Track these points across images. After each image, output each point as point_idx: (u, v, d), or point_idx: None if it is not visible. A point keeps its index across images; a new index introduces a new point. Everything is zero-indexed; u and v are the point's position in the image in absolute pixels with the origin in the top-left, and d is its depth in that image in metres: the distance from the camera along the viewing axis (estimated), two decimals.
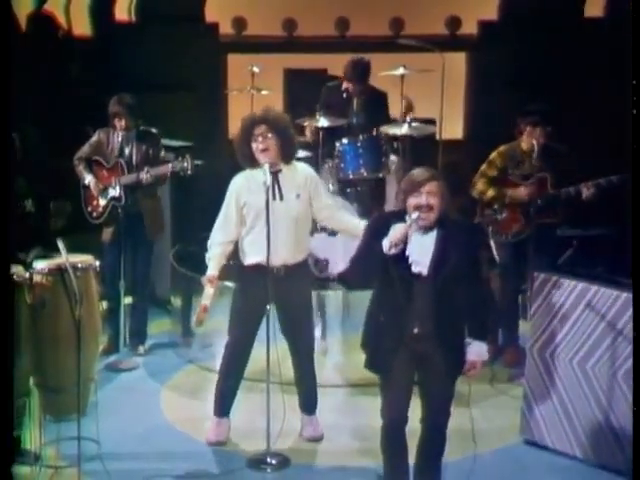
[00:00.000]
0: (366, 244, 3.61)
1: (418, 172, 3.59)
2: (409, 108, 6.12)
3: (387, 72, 6.06)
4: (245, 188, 4.34)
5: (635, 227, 3.57)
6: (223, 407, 4.55)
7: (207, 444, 4.51)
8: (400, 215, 3.58)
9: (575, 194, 5.04)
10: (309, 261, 4.63)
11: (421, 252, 3.53)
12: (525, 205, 5.14)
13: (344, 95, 6.06)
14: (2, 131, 3.69)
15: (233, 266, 4.52)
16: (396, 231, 3.46)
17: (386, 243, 3.47)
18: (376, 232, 3.58)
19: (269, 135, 4.25)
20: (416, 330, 3.56)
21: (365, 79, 5.96)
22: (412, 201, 3.53)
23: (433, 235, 3.55)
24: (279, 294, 4.26)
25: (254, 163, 4.32)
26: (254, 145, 4.28)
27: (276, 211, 4.20)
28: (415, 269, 3.53)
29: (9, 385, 3.56)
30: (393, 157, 5.88)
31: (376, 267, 3.52)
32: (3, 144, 3.75)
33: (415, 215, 3.49)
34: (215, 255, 4.38)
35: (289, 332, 4.40)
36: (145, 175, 5.28)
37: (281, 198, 4.23)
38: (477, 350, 3.64)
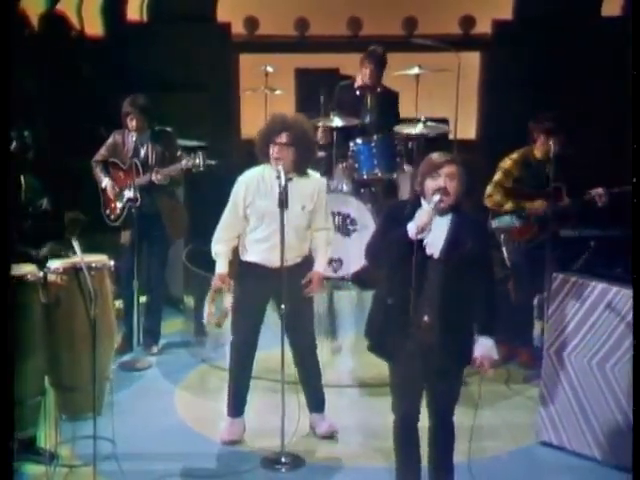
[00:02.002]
0: (383, 232, 3.60)
1: (436, 155, 3.59)
2: None
3: (402, 72, 6.05)
4: (253, 188, 4.36)
5: (635, 227, 3.55)
6: (236, 407, 4.55)
7: (221, 443, 4.50)
8: (414, 202, 3.59)
9: (590, 203, 5.00)
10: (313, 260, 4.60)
11: (435, 234, 3.53)
12: (540, 214, 5.09)
13: (357, 93, 6.05)
14: (2, 131, 3.68)
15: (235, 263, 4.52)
16: (422, 215, 3.46)
17: (413, 228, 3.46)
18: (392, 220, 3.59)
19: (288, 145, 4.26)
20: (426, 318, 3.54)
21: (383, 66, 5.94)
22: (430, 183, 3.53)
23: (448, 218, 3.55)
24: (278, 292, 4.27)
25: (269, 162, 4.33)
26: (271, 149, 4.28)
27: (278, 218, 4.22)
28: (429, 251, 3.53)
29: (10, 385, 3.55)
30: (407, 167, 5.87)
31: (395, 253, 3.51)
32: (3, 144, 3.75)
33: (437, 198, 3.48)
34: (222, 252, 4.42)
35: (289, 330, 4.38)
36: (156, 175, 5.28)
37: (286, 207, 4.22)
38: (483, 346, 3.60)
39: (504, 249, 5.23)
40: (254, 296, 4.41)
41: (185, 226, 5.68)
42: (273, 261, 4.29)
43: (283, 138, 4.25)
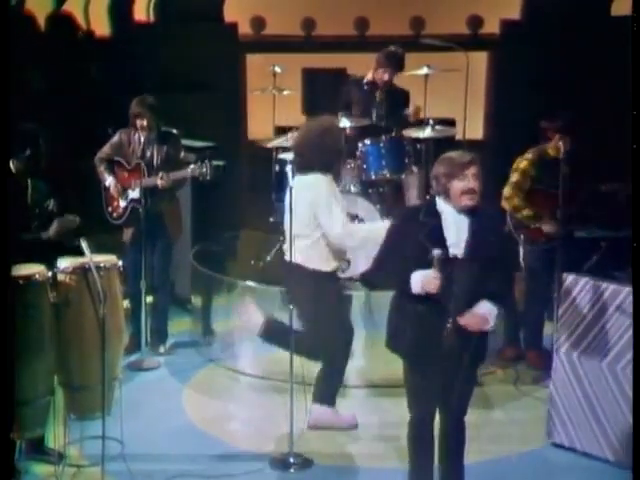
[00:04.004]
0: (391, 244, 3.59)
1: (459, 155, 3.56)
2: (417, 113, 6.11)
3: (412, 72, 6.05)
4: None
5: (635, 227, 3.53)
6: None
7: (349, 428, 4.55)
8: (429, 206, 3.57)
9: (610, 197, 4.97)
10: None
11: (458, 235, 3.52)
12: (557, 214, 5.04)
13: (365, 88, 6.04)
14: (2, 131, 3.68)
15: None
16: (430, 282, 3.42)
17: (417, 288, 3.46)
18: (402, 230, 3.58)
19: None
20: (450, 320, 3.52)
21: (401, 68, 5.95)
22: (458, 185, 3.49)
23: (467, 218, 3.54)
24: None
25: None
26: None
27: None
28: (452, 252, 3.51)
29: (10, 385, 3.55)
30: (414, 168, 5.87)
31: (402, 267, 3.50)
32: (3, 144, 3.74)
33: (468, 217, 3.48)
34: None
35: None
36: (160, 180, 5.29)
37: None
38: (486, 307, 3.51)
39: (521, 249, 5.19)
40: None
41: (181, 229, 5.68)
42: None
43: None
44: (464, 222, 3.53)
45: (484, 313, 3.51)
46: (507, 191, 5.12)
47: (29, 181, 4.45)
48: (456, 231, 3.52)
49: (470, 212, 3.53)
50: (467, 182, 3.49)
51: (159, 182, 5.29)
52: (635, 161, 3.59)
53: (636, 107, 3.56)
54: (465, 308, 3.51)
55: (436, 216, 3.54)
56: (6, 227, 3.63)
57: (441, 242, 3.50)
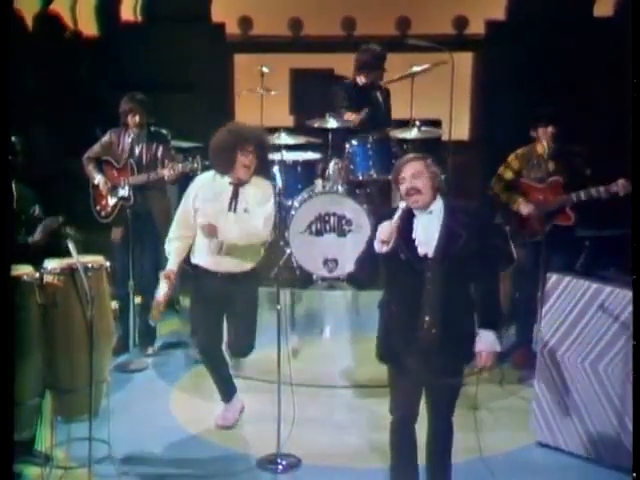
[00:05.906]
0: (372, 245, 3.62)
1: (399, 161, 3.68)
2: None
3: (399, 75, 6.11)
4: (201, 194, 4.48)
5: (635, 227, 3.57)
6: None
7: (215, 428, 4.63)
8: (402, 209, 3.58)
9: (586, 197, 5.05)
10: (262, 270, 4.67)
11: (427, 233, 3.54)
12: (540, 208, 5.14)
13: (354, 89, 6.09)
14: (2, 134, 3.68)
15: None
16: (383, 229, 3.46)
17: (376, 243, 3.48)
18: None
19: (254, 154, 4.39)
20: (427, 318, 3.54)
21: (382, 66, 6.00)
22: (401, 189, 3.58)
23: (439, 216, 3.56)
24: (224, 298, 4.48)
25: (228, 172, 4.41)
26: (239, 158, 4.37)
27: (227, 222, 4.37)
28: (421, 251, 3.53)
29: (10, 385, 3.56)
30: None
31: (382, 264, 3.53)
32: (3, 147, 3.75)
33: (403, 204, 3.52)
34: (173, 249, 4.57)
35: (231, 333, 4.53)
36: (152, 175, 5.31)
37: (235, 211, 4.39)
38: (485, 339, 3.57)
39: (511, 243, 5.30)
40: (203, 298, 4.56)
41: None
42: (218, 265, 4.45)
43: (251, 147, 4.38)
44: (435, 220, 3.55)
45: (488, 347, 3.56)
46: (492, 180, 5.31)
47: (14, 187, 4.45)
48: (423, 230, 3.54)
49: (441, 209, 3.55)
50: (406, 184, 3.55)
51: (152, 177, 5.29)
52: (635, 161, 3.63)
53: (636, 107, 3.60)
54: (441, 305, 3.52)
55: (408, 216, 3.55)
56: (6, 228, 3.63)
57: (410, 241, 3.52)
